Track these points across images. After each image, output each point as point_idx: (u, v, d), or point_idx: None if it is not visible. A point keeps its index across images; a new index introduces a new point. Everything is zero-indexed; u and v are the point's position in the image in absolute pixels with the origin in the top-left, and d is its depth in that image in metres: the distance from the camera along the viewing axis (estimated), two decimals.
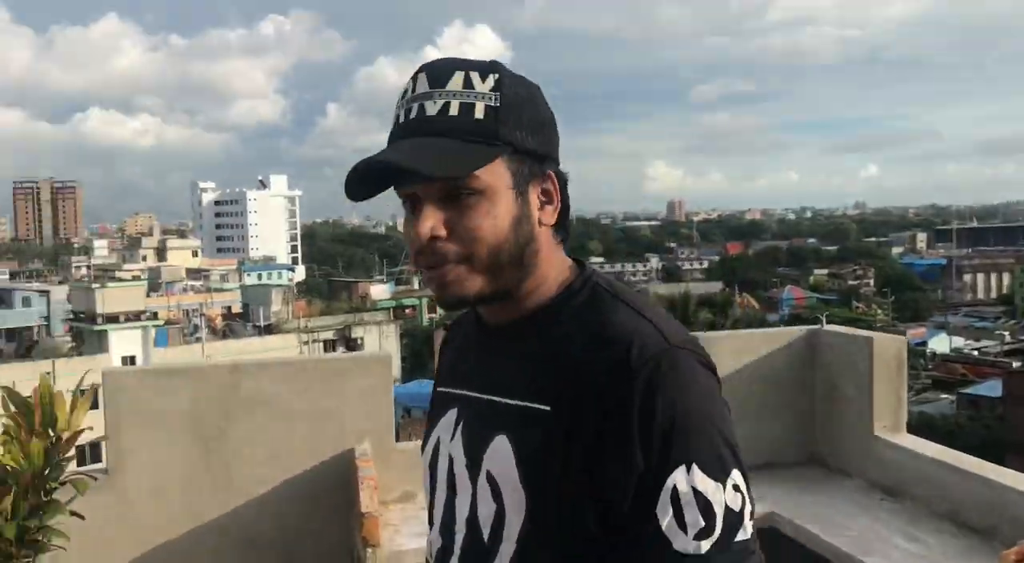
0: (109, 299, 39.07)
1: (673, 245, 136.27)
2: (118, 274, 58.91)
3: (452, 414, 1.24)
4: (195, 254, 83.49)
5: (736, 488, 1.09)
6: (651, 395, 1.07)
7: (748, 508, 1.10)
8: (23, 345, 42.42)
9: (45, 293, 56.56)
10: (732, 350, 4.06)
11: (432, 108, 1.12)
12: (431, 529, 1.27)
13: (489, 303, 1.17)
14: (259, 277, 74.68)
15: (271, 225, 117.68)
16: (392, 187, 1.16)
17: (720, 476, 1.08)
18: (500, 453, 1.14)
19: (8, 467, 3.03)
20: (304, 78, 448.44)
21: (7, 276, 69.79)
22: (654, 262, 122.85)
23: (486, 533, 1.16)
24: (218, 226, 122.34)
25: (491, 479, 1.15)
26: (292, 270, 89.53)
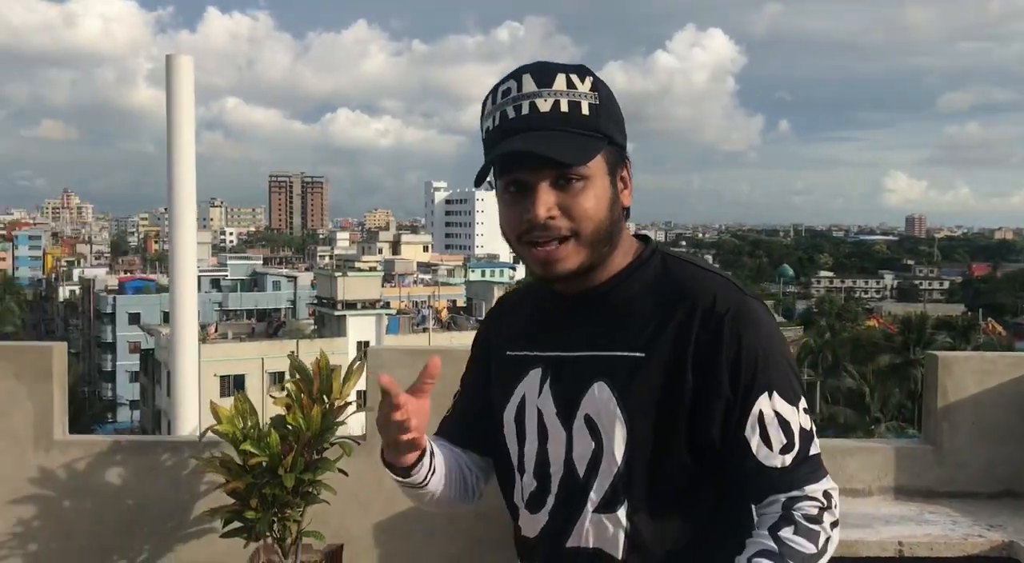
0: (348, 287, 41.86)
1: (911, 263, 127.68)
2: (357, 264, 62.84)
3: (535, 374, 1.39)
4: (426, 249, 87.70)
5: (806, 410, 1.31)
6: (736, 336, 1.26)
7: (814, 428, 1.32)
8: (272, 325, 46.26)
9: (293, 279, 61.51)
10: (975, 371, 3.91)
11: (544, 105, 1.27)
12: (521, 476, 1.41)
13: (583, 275, 1.32)
14: (483, 274, 77.39)
15: (496, 224, 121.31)
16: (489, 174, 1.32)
17: (794, 400, 1.29)
18: (600, 397, 1.31)
19: (291, 427, 3.49)
20: None
21: (261, 261, 76.27)
22: (888, 280, 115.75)
23: (582, 469, 1.32)
24: (447, 223, 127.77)
25: (589, 421, 1.31)
26: (513, 269, 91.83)
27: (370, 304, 42.27)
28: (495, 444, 1.46)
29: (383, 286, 48.88)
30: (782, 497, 1.27)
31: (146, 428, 40.17)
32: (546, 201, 1.26)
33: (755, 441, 1.27)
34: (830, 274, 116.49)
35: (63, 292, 71.87)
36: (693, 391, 1.27)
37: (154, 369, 40.08)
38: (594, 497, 1.31)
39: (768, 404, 1.27)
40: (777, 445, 1.27)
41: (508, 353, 1.44)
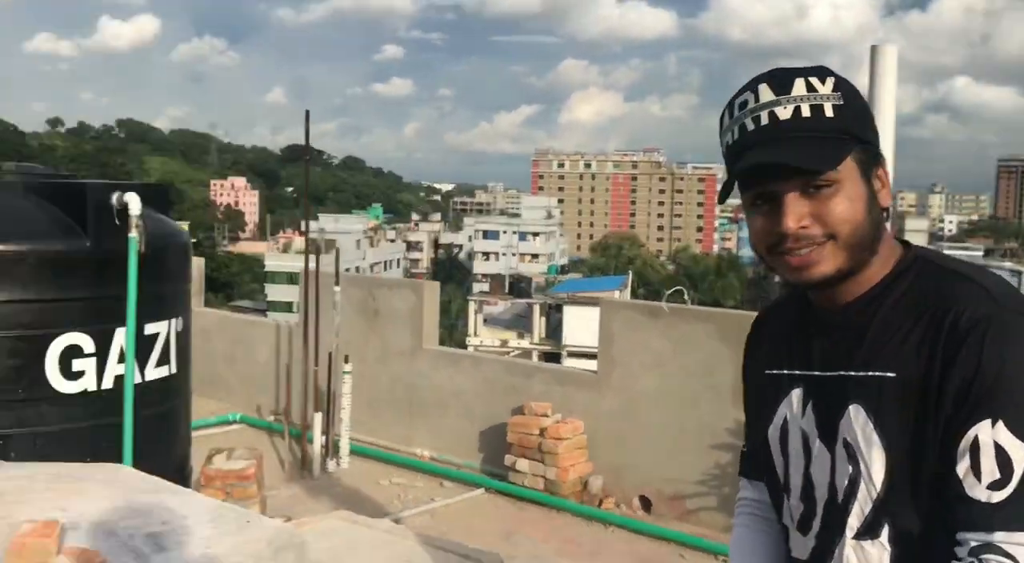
0: None
1: None
2: None
3: (798, 393, 1.36)
4: None
5: None
6: (976, 353, 1.15)
7: None
8: None
9: (1017, 273, 56.16)
10: None
11: (784, 113, 1.22)
12: (787, 497, 1.39)
13: (841, 281, 1.27)
14: None
15: None
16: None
17: None
18: (856, 420, 1.26)
19: None
20: None
21: (981, 252, 71.30)
22: None
23: (841, 494, 1.29)
24: None
25: (847, 445, 1.27)
26: None
27: None
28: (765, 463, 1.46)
29: None
30: (972, 542, 1.14)
31: None
32: (796, 211, 1.23)
33: (963, 467, 1.16)
34: None
35: None
36: (934, 410, 1.20)
37: None
38: (853, 523, 1.28)
39: (988, 432, 1.15)
40: (987, 478, 1.14)
41: (767, 372, 1.44)
